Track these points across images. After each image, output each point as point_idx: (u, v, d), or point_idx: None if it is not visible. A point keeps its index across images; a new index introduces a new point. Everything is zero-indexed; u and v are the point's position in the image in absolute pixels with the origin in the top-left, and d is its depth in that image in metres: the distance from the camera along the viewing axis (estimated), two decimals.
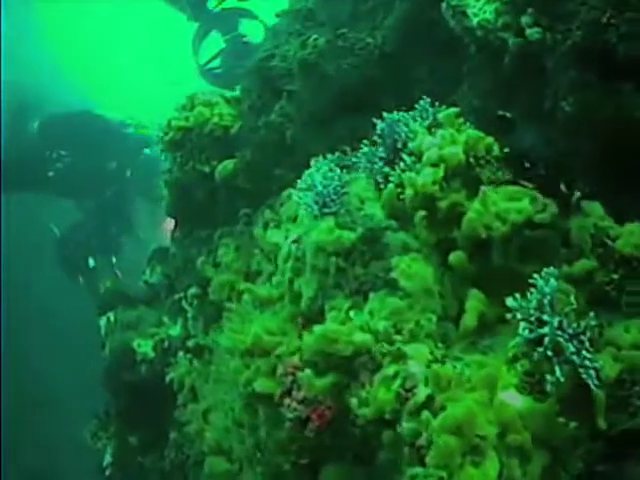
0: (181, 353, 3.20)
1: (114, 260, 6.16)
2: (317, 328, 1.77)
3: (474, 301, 1.77)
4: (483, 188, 1.82)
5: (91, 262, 5.83)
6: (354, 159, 2.09)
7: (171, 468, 3.26)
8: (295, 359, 1.86)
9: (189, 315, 3.24)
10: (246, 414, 2.30)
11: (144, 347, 3.33)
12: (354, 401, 1.68)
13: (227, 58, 4.51)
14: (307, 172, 1.98)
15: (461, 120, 2.02)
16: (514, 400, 1.67)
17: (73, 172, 5.82)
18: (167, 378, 3.16)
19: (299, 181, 1.97)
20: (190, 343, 3.18)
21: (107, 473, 3.58)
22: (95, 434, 3.66)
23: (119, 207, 5.97)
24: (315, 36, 2.61)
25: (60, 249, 6.01)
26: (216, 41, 4.61)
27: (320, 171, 1.93)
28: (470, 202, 1.84)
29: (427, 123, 1.96)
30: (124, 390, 3.35)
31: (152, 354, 3.32)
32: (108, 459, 3.57)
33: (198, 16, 4.86)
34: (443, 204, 1.82)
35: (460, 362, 1.73)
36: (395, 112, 2.31)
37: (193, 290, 3.25)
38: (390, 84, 2.67)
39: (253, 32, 4.50)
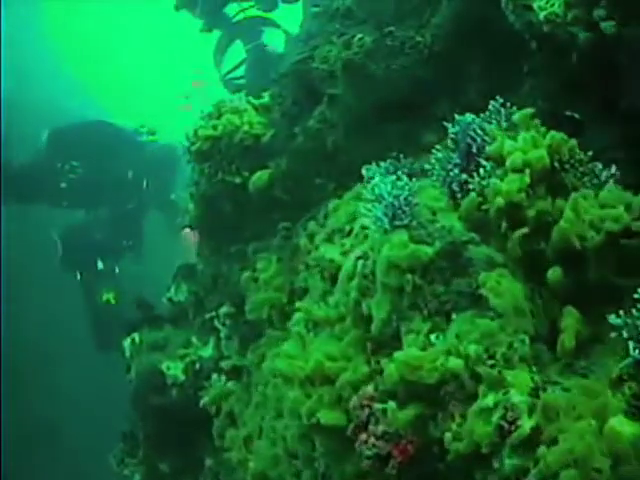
0: (215, 375, 3.02)
1: (117, 270, 6.01)
2: (398, 354, 1.60)
3: (571, 319, 1.60)
4: (574, 195, 1.65)
5: (100, 264, 5.66)
6: (426, 166, 1.91)
7: None
8: (369, 389, 1.69)
9: (222, 335, 3.06)
10: (301, 445, 2.12)
11: (174, 370, 3.14)
12: (448, 435, 1.51)
13: (250, 67, 4.37)
14: (372, 182, 1.81)
15: (537, 121, 1.86)
16: (623, 427, 1.50)
17: (87, 183, 5.66)
18: (201, 402, 2.98)
19: (365, 191, 1.81)
20: (224, 365, 3.00)
21: None
22: (122, 460, 3.47)
23: (135, 219, 5.82)
24: (360, 35, 2.45)
25: (67, 246, 5.81)
26: (238, 51, 4.46)
27: (387, 180, 1.76)
28: (557, 211, 1.68)
29: (505, 125, 1.80)
30: (153, 414, 3.17)
31: (183, 377, 3.13)
32: None
33: (213, 26, 4.72)
34: (530, 213, 1.66)
35: (558, 387, 1.56)
36: (454, 115, 2.16)
37: (225, 308, 3.08)
38: (441, 85, 2.51)
39: (275, 41, 4.36)
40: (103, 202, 5.75)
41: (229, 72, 4.47)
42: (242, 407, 2.81)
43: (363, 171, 2.27)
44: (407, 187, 1.77)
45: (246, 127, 3.05)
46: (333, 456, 1.93)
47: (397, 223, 1.74)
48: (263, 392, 2.62)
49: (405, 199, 1.75)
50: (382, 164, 2.23)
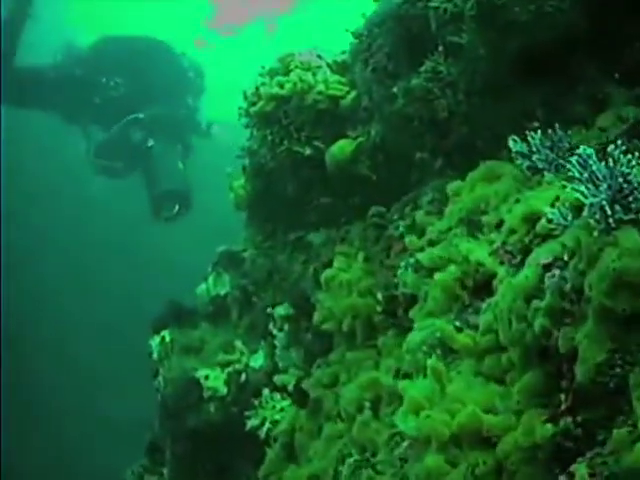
0: (266, 391, 2.43)
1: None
2: None
3: None
4: None
5: (150, 142, 4.97)
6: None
7: None
8: (582, 468, 1.11)
9: (277, 343, 2.47)
10: None
11: (214, 380, 2.55)
12: None
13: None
14: (580, 154, 1.22)
15: None
16: None
17: (124, 104, 5.03)
18: (247, 424, 2.39)
19: (570, 168, 1.22)
20: (279, 380, 2.42)
21: None
22: (141, 478, 2.90)
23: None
24: None
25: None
26: None
27: (614, 154, 1.17)
28: None
29: None
30: (185, 433, 2.58)
31: (224, 390, 2.54)
32: None
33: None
34: None
35: None
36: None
37: (283, 310, 2.49)
38: (596, 41, 1.92)
39: None
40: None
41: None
42: (306, 439, 2.22)
43: (510, 143, 1.68)
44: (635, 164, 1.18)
45: (321, 86, 2.44)
46: None
47: (624, 216, 1.15)
48: (342, 426, 2.04)
49: (636, 182, 1.16)
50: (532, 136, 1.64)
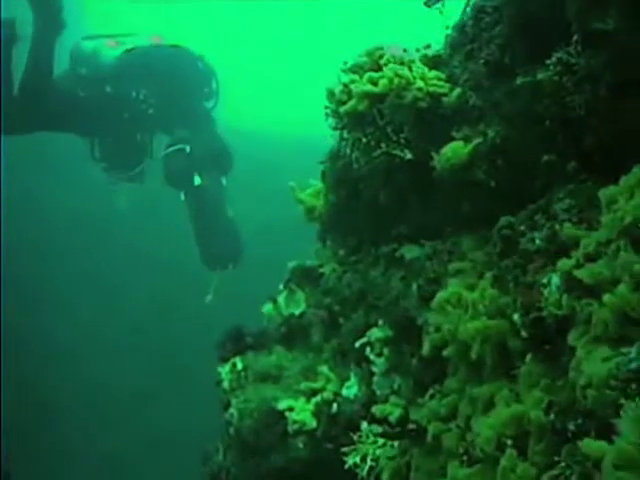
0: (364, 424, 2.17)
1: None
2: None
3: None
4: None
5: (197, 180, 4.85)
6: None
7: None
8: None
9: (376, 369, 2.22)
10: None
11: (301, 413, 2.29)
12: None
13: None
14: None
15: None
16: None
17: (153, 118, 4.82)
18: (348, 461, 2.13)
19: None
20: (379, 411, 2.16)
21: None
22: None
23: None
24: None
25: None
26: None
27: None
28: None
29: None
30: (273, 473, 2.31)
31: (313, 423, 2.28)
32: None
33: None
34: None
35: None
36: None
37: (380, 332, 2.23)
38: None
39: None
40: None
41: None
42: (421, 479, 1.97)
43: None
44: None
45: (420, 83, 2.20)
46: None
47: None
48: (477, 468, 1.79)
49: None
50: None
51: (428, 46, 2.40)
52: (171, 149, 4.90)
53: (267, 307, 2.74)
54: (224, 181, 5.12)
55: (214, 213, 4.99)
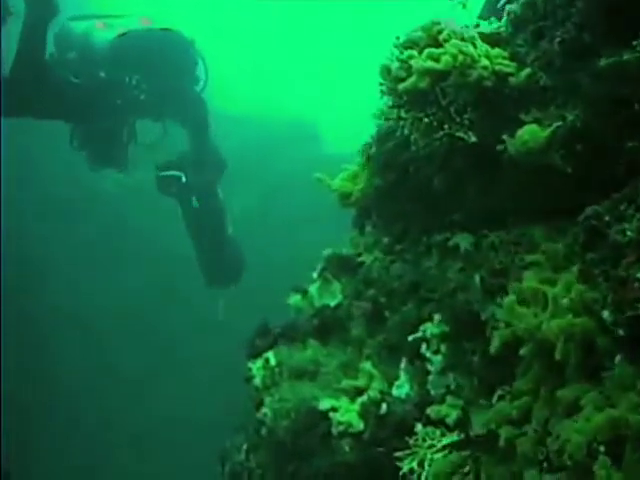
0: (419, 427, 2.02)
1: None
2: None
3: None
4: None
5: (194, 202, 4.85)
6: None
7: None
8: None
9: (432, 367, 2.07)
10: None
11: (346, 413, 2.12)
12: None
13: None
14: None
15: None
16: None
17: (147, 103, 4.57)
18: (404, 467, 1.98)
19: None
20: (435, 412, 2.01)
21: None
22: None
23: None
24: None
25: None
26: None
27: None
28: None
29: None
30: (314, 479, 2.14)
31: (360, 424, 2.12)
32: None
33: None
34: None
35: None
36: None
37: (435, 328, 2.08)
38: None
39: None
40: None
41: None
42: None
43: None
44: None
45: (485, 61, 2.05)
46: None
47: None
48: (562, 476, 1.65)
49: None
50: None
51: (477, 25, 2.26)
52: (165, 173, 4.79)
53: (294, 298, 2.55)
54: (220, 193, 5.01)
55: (214, 234, 5.01)
